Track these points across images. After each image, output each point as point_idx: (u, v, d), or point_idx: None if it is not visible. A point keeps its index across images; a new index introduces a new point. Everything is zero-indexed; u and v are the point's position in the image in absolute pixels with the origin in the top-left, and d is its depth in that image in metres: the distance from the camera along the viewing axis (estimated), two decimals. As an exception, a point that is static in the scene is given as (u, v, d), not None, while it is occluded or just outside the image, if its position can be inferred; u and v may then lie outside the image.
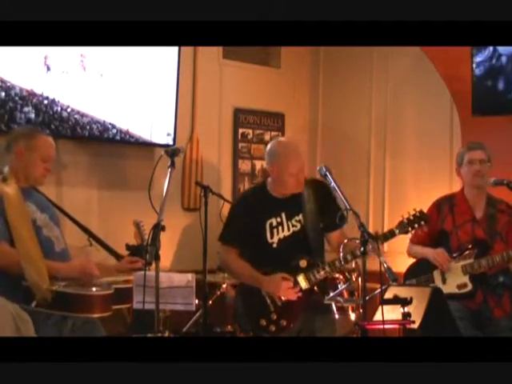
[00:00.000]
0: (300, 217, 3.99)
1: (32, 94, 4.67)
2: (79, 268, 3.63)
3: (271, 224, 4.00)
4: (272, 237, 4.00)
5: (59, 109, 4.80)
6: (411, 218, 3.90)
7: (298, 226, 3.99)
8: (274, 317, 3.94)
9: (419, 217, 3.91)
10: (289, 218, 4.00)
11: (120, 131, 5.13)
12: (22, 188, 3.66)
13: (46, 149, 3.79)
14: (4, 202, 3.54)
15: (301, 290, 3.91)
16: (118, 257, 4.16)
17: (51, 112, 4.78)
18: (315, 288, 3.92)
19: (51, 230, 3.74)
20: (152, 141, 5.39)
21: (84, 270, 3.62)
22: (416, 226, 3.90)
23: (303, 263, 3.91)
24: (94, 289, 3.54)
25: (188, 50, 5.68)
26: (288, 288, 3.89)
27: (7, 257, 3.50)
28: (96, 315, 3.54)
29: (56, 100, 4.80)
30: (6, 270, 3.51)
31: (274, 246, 4.00)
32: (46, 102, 4.75)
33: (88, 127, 4.95)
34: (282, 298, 3.92)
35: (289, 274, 3.92)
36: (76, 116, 4.88)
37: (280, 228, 4.01)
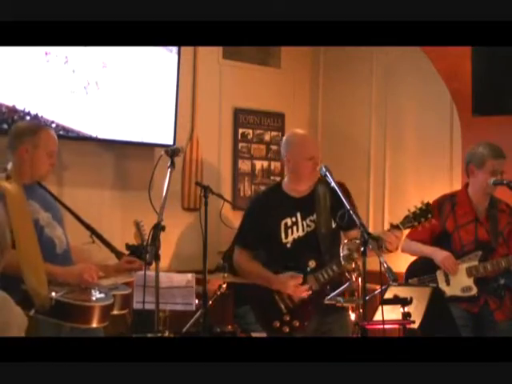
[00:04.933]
0: (314, 216, 3.97)
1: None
2: (78, 274, 3.58)
3: (286, 224, 3.98)
4: (286, 237, 3.99)
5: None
6: (417, 211, 3.73)
7: (312, 225, 3.97)
8: (287, 318, 3.94)
9: (425, 210, 3.73)
10: (303, 218, 3.98)
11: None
12: (25, 185, 3.62)
13: (50, 144, 3.74)
14: (6, 200, 3.48)
15: (312, 290, 3.89)
16: (119, 255, 4.15)
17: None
18: (327, 288, 3.87)
19: (54, 230, 3.69)
20: (152, 141, 5.39)
21: (83, 277, 3.57)
22: (423, 219, 3.73)
23: (312, 263, 3.90)
24: (93, 297, 3.49)
25: (188, 49, 5.68)
26: (296, 286, 3.88)
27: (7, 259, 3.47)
28: (95, 325, 3.48)
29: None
30: (5, 272, 3.46)
31: (288, 246, 3.99)
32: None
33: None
34: (294, 300, 3.91)
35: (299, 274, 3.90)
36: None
37: (295, 228, 3.99)
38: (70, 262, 3.72)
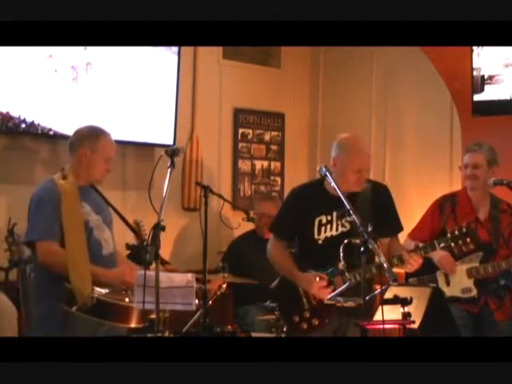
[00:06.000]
0: (351, 218, 3.76)
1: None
2: (119, 276, 3.71)
3: (320, 221, 3.95)
4: (319, 234, 3.95)
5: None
6: (456, 233, 3.80)
7: (348, 226, 3.92)
8: (307, 315, 3.92)
9: (465, 233, 3.81)
10: (340, 218, 3.92)
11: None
12: (81, 187, 3.79)
13: (108, 151, 3.88)
14: (61, 199, 3.66)
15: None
16: (162, 263, 4.16)
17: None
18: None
19: (102, 232, 3.82)
20: (152, 141, 5.39)
21: (123, 279, 3.68)
22: (460, 242, 3.81)
23: (341, 265, 3.83)
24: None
25: (188, 49, 5.68)
26: (321, 287, 3.84)
27: (56, 256, 3.62)
28: (133, 325, 3.61)
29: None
30: (52, 269, 3.63)
31: (320, 243, 3.95)
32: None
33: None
34: (317, 298, 3.89)
35: (326, 274, 3.88)
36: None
37: (328, 226, 3.95)
38: (114, 265, 3.85)
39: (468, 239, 3.82)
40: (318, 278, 3.85)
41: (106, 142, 3.89)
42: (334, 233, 3.94)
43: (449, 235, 3.83)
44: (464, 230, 3.83)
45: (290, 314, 3.97)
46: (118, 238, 4.53)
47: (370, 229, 3.67)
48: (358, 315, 3.71)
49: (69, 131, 4.88)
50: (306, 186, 4.22)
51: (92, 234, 3.75)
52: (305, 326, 3.92)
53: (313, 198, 4.00)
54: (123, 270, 3.73)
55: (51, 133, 4.83)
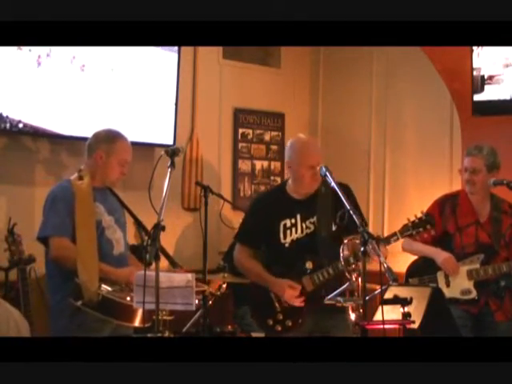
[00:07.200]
0: (314, 219, 4.00)
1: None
2: (126, 275, 3.76)
3: (285, 225, 4.03)
4: (285, 237, 4.03)
5: None
6: (416, 221, 3.83)
7: (312, 227, 4.01)
8: (280, 317, 4.00)
9: (425, 220, 3.85)
10: (303, 220, 4.02)
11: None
12: (96, 188, 3.89)
13: (123, 154, 3.97)
14: (76, 199, 3.77)
15: (306, 292, 3.94)
16: (175, 266, 4.18)
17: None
18: (322, 290, 3.88)
19: (114, 233, 3.92)
20: (152, 141, 5.39)
21: (129, 279, 3.70)
22: (421, 229, 3.85)
23: (309, 265, 3.94)
24: None
25: (188, 49, 5.68)
26: (293, 295, 3.93)
27: (67, 251, 3.72)
28: (137, 324, 3.69)
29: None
30: (64, 264, 3.73)
31: (287, 246, 4.03)
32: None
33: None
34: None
35: (296, 275, 3.96)
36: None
37: (293, 229, 4.03)
38: (125, 265, 3.92)
39: (428, 226, 3.85)
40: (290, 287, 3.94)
41: (122, 146, 3.97)
42: (299, 235, 4.03)
43: (409, 223, 3.85)
44: (423, 217, 3.86)
45: (263, 317, 4.05)
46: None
47: (334, 228, 3.80)
48: (331, 313, 3.77)
49: (67, 132, 4.93)
50: (268, 193, 4.40)
51: (104, 234, 3.85)
52: (279, 329, 3.99)
53: (275, 204, 4.10)
54: (130, 271, 3.77)
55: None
